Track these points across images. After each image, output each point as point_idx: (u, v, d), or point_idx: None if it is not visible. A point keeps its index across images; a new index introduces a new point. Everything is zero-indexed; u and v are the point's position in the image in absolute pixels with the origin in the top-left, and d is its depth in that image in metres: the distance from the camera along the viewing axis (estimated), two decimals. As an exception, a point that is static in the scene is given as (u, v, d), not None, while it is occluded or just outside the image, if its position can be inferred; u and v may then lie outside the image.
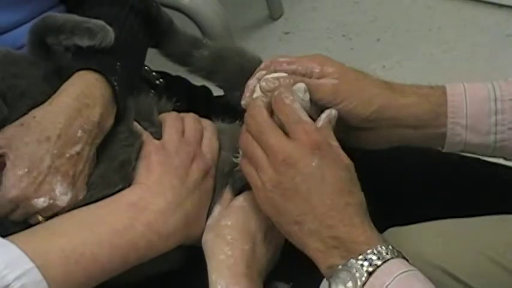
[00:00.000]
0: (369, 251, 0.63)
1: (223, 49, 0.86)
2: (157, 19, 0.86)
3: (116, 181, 0.74)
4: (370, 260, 0.63)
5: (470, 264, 0.76)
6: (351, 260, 0.63)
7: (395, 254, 0.64)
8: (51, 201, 0.70)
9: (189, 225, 0.74)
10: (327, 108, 0.72)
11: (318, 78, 0.74)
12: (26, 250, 0.63)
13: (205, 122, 0.83)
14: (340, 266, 0.64)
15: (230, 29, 1.20)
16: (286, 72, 0.75)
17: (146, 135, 0.78)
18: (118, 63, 0.77)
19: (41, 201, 0.70)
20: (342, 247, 0.65)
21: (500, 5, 1.99)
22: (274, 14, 2.15)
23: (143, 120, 0.79)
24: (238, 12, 2.12)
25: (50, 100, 0.73)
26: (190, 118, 0.81)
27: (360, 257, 0.63)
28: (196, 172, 0.76)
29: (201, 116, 0.84)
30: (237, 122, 0.84)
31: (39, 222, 0.71)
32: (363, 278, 0.62)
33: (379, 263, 0.62)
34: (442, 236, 0.79)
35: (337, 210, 0.66)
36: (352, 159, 0.71)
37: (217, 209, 0.77)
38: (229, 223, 0.74)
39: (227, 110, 0.86)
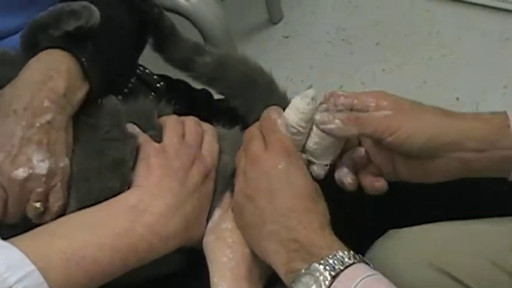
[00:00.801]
0: (331, 255, 0.63)
1: (226, 56, 0.86)
2: (158, 24, 0.86)
3: (109, 176, 0.74)
4: (334, 264, 0.62)
5: (471, 266, 0.76)
6: (314, 264, 0.63)
7: (358, 259, 0.63)
8: (31, 171, 0.70)
9: (189, 228, 0.74)
10: (382, 140, 0.71)
11: (374, 112, 0.73)
12: (27, 252, 0.63)
13: (206, 126, 0.83)
14: (303, 270, 0.63)
15: (230, 33, 1.20)
16: (344, 106, 0.74)
17: (144, 138, 0.78)
18: (89, 43, 0.77)
19: (20, 172, 0.69)
20: (302, 250, 0.64)
21: (499, 9, 1.99)
22: (273, 17, 2.15)
23: (142, 122, 0.79)
24: (238, 16, 2.12)
25: (17, 77, 0.74)
26: (190, 121, 0.81)
27: (323, 261, 0.62)
28: (197, 175, 0.76)
29: (201, 119, 0.84)
30: (238, 126, 0.84)
31: (38, 214, 0.71)
32: (327, 282, 0.61)
33: (342, 267, 0.62)
34: (442, 238, 0.79)
35: (297, 212, 0.67)
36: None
37: (217, 213, 0.77)
38: (230, 226, 0.74)
39: (228, 114, 0.86)
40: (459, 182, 0.74)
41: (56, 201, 0.72)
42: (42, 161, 0.70)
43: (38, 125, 0.71)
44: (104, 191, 0.73)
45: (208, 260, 0.73)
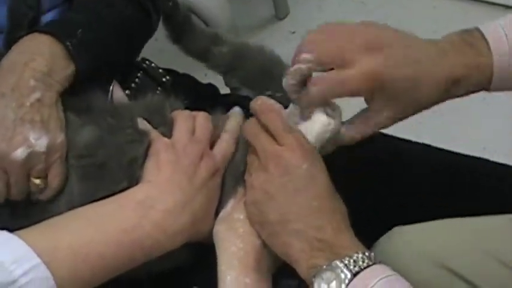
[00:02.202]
0: (353, 254, 0.64)
1: (244, 47, 0.86)
2: (174, 15, 0.87)
3: (121, 177, 0.74)
4: (355, 262, 0.63)
5: (475, 263, 0.76)
6: (336, 261, 0.63)
7: (378, 261, 0.64)
8: (30, 150, 0.71)
9: (196, 224, 0.74)
10: None
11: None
12: (33, 246, 0.64)
13: (230, 125, 0.81)
14: (324, 266, 0.64)
15: (237, 28, 1.20)
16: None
17: (155, 133, 0.78)
18: (80, 30, 0.79)
19: (19, 153, 0.70)
20: (327, 250, 0.65)
21: (507, 7, 1.98)
22: (280, 13, 2.15)
23: (154, 118, 0.79)
24: (245, 11, 2.12)
25: (0, 62, 0.75)
26: (201, 117, 0.81)
27: (345, 259, 0.63)
28: (205, 171, 0.76)
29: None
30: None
31: (40, 190, 0.72)
32: (347, 280, 0.62)
33: (364, 265, 0.63)
34: (446, 235, 0.79)
35: (324, 212, 0.67)
36: (355, 160, 0.71)
37: (230, 203, 0.77)
38: (242, 216, 0.74)
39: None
40: (464, 180, 0.74)
41: (56, 176, 0.73)
42: (40, 138, 0.71)
43: (28, 104, 0.72)
44: (113, 190, 0.73)
45: (217, 249, 0.73)
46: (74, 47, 0.77)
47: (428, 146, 0.94)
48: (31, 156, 0.71)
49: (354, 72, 0.68)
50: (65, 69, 0.77)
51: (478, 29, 0.72)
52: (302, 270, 0.67)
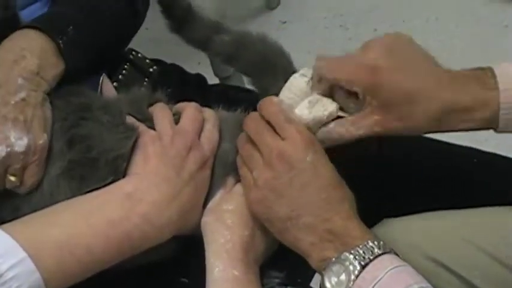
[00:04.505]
0: (362, 246, 0.64)
1: (245, 35, 0.85)
2: (175, 5, 0.86)
3: (108, 171, 0.74)
4: (364, 254, 0.63)
5: (464, 255, 0.76)
6: (345, 253, 0.64)
7: (387, 249, 0.65)
8: (9, 149, 0.70)
9: (184, 216, 0.74)
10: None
11: None
12: (19, 239, 0.63)
13: (208, 113, 0.82)
14: (333, 259, 0.64)
15: (226, 17, 1.19)
16: None
17: (142, 127, 0.77)
18: (71, 27, 0.78)
19: None
20: (336, 241, 0.66)
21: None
22: (271, 3, 2.15)
23: (136, 114, 0.79)
24: (236, 1, 2.11)
25: None
26: (190, 108, 0.80)
27: (354, 250, 0.64)
28: (193, 163, 0.75)
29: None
30: (239, 110, 0.84)
31: (15, 186, 0.71)
32: (356, 272, 0.63)
33: (372, 257, 0.63)
34: (435, 227, 0.79)
35: (333, 203, 0.67)
36: (344, 154, 0.71)
37: (219, 193, 0.77)
38: (231, 207, 0.74)
39: (221, 99, 0.86)
40: (454, 173, 0.73)
41: (31, 177, 0.72)
42: (20, 139, 0.70)
43: (12, 102, 0.71)
44: (100, 185, 0.73)
45: (205, 240, 0.73)
46: (65, 45, 0.76)
47: (420, 136, 0.94)
48: (9, 155, 0.70)
49: (355, 59, 0.70)
50: (54, 68, 0.76)
51: (490, 68, 0.70)
52: (314, 263, 0.67)
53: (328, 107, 0.73)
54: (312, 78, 0.74)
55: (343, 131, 0.72)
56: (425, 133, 0.73)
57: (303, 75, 0.75)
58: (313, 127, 0.73)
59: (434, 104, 0.68)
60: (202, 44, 0.86)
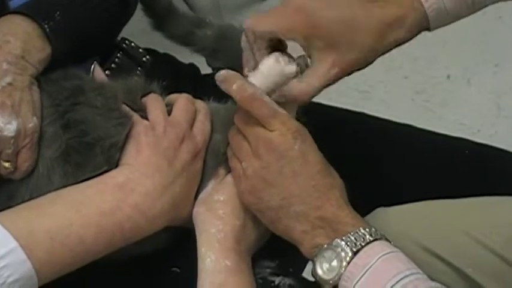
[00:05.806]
0: (353, 232, 0.64)
1: (228, 28, 0.85)
2: (155, 2, 0.85)
3: (103, 161, 0.73)
4: (355, 241, 0.64)
5: (456, 244, 0.76)
6: (336, 239, 0.64)
7: (379, 235, 0.65)
8: None
9: (176, 207, 0.74)
10: None
11: None
12: (10, 229, 0.63)
13: (199, 104, 0.82)
14: (325, 246, 0.65)
15: (219, 6, 1.18)
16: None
17: (136, 116, 0.77)
18: (58, 13, 0.77)
19: None
20: (327, 227, 0.66)
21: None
22: (265, -7, 2.13)
23: (130, 103, 0.78)
24: (229, -9, 2.10)
25: None
26: (183, 99, 0.80)
27: (345, 237, 0.64)
28: (185, 154, 0.75)
29: (188, 94, 0.83)
30: (230, 101, 0.83)
31: (10, 172, 0.71)
32: (348, 258, 0.63)
33: (363, 243, 0.64)
34: (428, 217, 0.80)
35: (322, 191, 0.68)
36: (339, 140, 0.71)
37: (210, 184, 0.77)
38: (222, 198, 0.74)
39: (215, 89, 0.85)
40: (446, 162, 0.74)
41: (25, 161, 0.72)
42: (9, 123, 0.70)
43: None
44: (95, 173, 0.72)
45: (197, 231, 0.73)
46: (51, 29, 0.75)
47: (412, 126, 0.94)
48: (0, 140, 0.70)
49: (283, 9, 0.70)
50: (40, 52, 0.75)
51: None
52: (305, 251, 0.68)
53: (286, 68, 0.72)
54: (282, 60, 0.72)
55: (303, 86, 0.71)
56: (378, 56, 0.73)
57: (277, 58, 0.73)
58: (274, 89, 0.72)
59: (372, 23, 0.69)
60: (185, 39, 0.85)
